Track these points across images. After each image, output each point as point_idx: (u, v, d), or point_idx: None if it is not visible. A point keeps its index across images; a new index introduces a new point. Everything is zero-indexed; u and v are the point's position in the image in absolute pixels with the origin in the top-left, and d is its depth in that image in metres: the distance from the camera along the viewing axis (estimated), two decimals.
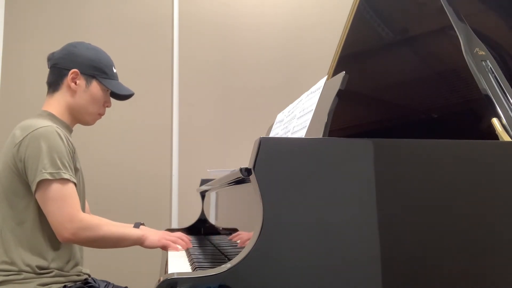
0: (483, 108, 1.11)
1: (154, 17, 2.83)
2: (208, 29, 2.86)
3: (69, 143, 1.40)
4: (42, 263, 1.34)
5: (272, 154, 0.88)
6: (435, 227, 0.89)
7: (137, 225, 1.66)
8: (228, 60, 2.86)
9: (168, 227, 2.30)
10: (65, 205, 1.31)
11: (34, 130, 1.34)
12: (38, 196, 1.32)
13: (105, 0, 2.81)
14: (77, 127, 1.60)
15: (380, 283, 0.86)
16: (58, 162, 1.32)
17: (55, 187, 1.31)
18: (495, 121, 1.05)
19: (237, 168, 0.94)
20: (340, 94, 1.03)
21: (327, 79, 1.16)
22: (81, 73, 1.49)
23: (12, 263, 1.33)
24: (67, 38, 1.60)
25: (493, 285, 0.89)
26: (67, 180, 1.33)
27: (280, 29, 2.90)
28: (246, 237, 1.11)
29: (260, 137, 0.88)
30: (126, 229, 1.48)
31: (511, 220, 0.91)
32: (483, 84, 1.10)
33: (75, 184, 1.36)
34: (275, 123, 1.53)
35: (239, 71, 2.85)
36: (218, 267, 0.84)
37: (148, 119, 2.75)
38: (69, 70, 1.48)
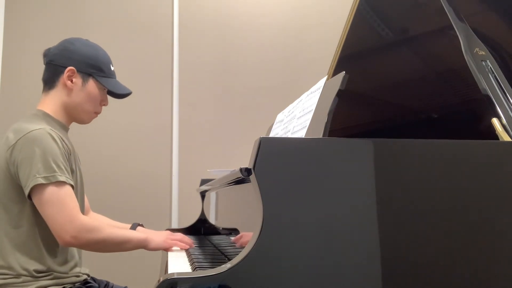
0: (483, 108, 1.11)
1: (154, 17, 2.83)
2: (208, 29, 2.86)
3: (64, 144, 1.36)
4: (40, 267, 1.32)
5: (272, 154, 0.88)
6: (435, 227, 0.89)
7: (134, 226, 1.63)
8: (228, 60, 2.86)
9: (168, 227, 2.30)
10: (64, 208, 1.28)
11: (27, 133, 1.31)
12: (35, 201, 1.29)
13: (105, 0, 2.81)
14: (77, 126, 1.59)
15: (381, 283, 0.86)
16: (53, 165, 1.28)
17: (51, 191, 1.27)
18: (495, 121, 1.05)
19: (237, 168, 0.94)
20: (340, 94, 1.03)
21: (327, 79, 1.16)
22: (78, 71, 1.44)
23: (9, 268, 1.31)
24: (67, 38, 1.59)
25: (494, 285, 0.89)
26: (63, 183, 1.29)
27: (280, 29, 2.90)
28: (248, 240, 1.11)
29: (260, 137, 0.88)
30: (128, 232, 1.44)
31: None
32: (483, 84, 1.10)
33: (72, 186, 1.33)
34: (275, 123, 1.53)
35: (239, 71, 2.85)
36: (218, 267, 0.84)
37: (148, 119, 2.75)
38: (65, 67, 1.43)
